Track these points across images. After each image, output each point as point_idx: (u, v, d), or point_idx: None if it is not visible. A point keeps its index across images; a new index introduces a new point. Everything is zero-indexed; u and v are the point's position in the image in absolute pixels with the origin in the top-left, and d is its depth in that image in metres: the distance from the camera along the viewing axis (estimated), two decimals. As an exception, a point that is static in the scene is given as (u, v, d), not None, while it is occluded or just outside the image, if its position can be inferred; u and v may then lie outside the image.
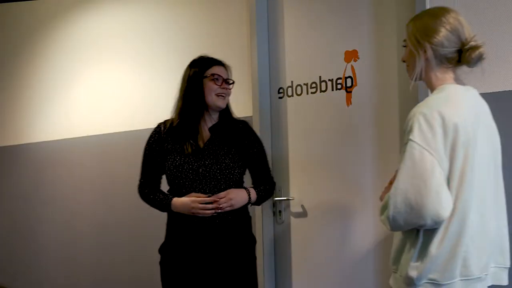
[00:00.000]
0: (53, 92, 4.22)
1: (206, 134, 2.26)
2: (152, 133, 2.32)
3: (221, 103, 2.22)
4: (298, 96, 2.91)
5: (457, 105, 1.53)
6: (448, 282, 1.50)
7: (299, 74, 2.88)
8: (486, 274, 1.58)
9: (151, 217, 3.43)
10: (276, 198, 2.97)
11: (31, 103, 4.40)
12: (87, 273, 4.00)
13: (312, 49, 2.87)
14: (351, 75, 2.69)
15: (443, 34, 1.57)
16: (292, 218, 2.96)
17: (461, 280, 1.52)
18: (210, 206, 2.12)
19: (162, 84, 3.45)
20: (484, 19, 2.15)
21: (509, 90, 2.09)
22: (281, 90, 2.98)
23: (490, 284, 1.63)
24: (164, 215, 2.41)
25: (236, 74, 3.06)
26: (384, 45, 2.56)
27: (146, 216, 3.44)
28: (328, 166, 2.81)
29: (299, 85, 2.90)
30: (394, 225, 1.52)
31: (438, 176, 1.46)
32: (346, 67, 2.72)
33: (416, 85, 2.33)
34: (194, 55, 3.27)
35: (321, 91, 2.81)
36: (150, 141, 2.30)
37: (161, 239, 2.46)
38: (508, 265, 1.68)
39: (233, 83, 2.29)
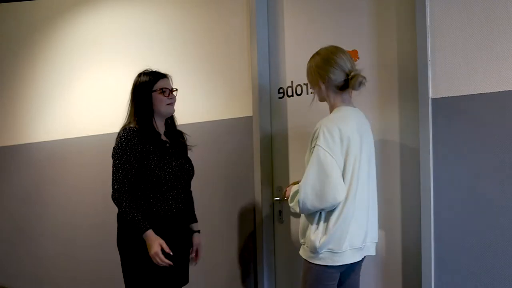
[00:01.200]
0: (53, 92, 4.22)
1: (164, 138, 2.56)
2: (129, 136, 2.41)
3: (171, 110, 2.56)
4: (298, 96, 2.91)
5: (349, 123, 2.10)
6: (342, 251, 2.07)
7: (299, 74, 2.88)
8: (364, 245, 2.15)
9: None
10: (276, 198, 2.97)
11: (31, 103, 4.41)
12: (87, 272, 4.00)
13: (312, 49, 2.87)
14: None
15: (331, 72, 2.14)
16: (292, 218, 2.97)
17: (350, 249, 2.09)
18: (166, 262, 2.38)
19: (162, 84, 3.46)
20: (483, 19, 2.16)
21: (509, 90, 2.09)
22: (281, 90, 2.98)
23: (365, 254, 2.20)
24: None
25: (236, 74, 3.07)
26: (384, 45, 2.56)
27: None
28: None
29: (299, 85, 2.90)
30: (303, 208, 2.07)
31: (336, 172, 2.02)
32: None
33: (415, 87, 2.34)
34: (194, 55, 3.28)
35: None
36: (131, 143, 2.40)
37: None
38: (377, 240, 2.26)
39: (176, 90, 2.59)
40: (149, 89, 2.50)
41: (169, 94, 2.53)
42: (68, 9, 4.11)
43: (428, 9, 2.29)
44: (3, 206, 4.69)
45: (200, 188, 3.23)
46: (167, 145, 2.53)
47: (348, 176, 2.05)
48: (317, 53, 2.22)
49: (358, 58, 2.65)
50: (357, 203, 2.08)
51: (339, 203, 2.03)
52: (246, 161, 2.97)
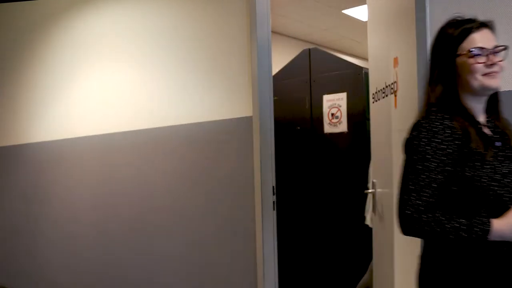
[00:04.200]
0: (53, 92, 4.22)
1: (487, 131, 1.58)
2: (441, 129, 1.50)
3: (492, 83, 1.55)
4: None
5: None
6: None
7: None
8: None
9: (151, 217, 3.44)
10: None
11: (31, 103, 4.40)
12: (86, 273, 4.00)
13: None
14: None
15: None
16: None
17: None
18: None
19: (163, 83, 3.46)
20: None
21: (509, 90, 2.09)
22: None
23: None
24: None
25: (236, 74, 3.07)
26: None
27: (146, 217, 3.45)
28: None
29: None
30: None
31: None
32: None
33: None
34: (194, 55, 3.28)
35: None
36: (439, 139, 1.48)
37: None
38: None
39: (505, 48, 1.59)
40: (451, 53, 1.57)
41: (487, 58, 1.54)
42: (68, 9, 4.11)
43: (428, 9, 2.29)
44: (2, 206, 4.69)
45: (200, 188, 3.23)
46: (495, 142, 1.55)
47: None
48: None
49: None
50: None
51: None
52: (246, 161, 2.97)
